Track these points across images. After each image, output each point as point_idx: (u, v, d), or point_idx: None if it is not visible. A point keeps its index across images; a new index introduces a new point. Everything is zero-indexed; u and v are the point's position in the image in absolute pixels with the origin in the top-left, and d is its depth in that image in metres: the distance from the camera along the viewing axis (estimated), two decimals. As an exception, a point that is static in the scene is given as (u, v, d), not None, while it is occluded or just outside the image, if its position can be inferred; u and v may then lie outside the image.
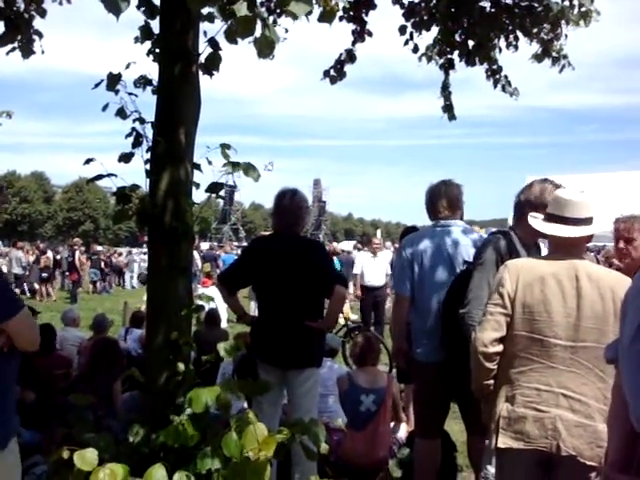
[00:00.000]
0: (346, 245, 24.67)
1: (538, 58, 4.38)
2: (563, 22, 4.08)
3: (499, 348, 2.38)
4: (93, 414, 3.38)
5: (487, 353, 2.37)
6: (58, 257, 19.20)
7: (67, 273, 17.81)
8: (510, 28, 4.24)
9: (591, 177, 9.14)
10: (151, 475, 2.20)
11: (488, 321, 2.39)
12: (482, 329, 2.40)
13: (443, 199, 3.58)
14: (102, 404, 4.04)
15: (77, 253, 17.62)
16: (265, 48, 2.09)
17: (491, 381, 2.46)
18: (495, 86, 4.59)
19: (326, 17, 2.24)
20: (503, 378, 2.41)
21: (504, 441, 2.34)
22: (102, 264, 20.38)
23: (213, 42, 2.90)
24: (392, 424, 4.38)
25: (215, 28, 2.90)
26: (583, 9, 4.05)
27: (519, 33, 4.28)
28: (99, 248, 23.46)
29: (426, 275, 3.43)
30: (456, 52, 4.44)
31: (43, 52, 4.12)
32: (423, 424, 3.57)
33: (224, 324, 8.10)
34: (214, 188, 2.79)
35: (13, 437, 2.18)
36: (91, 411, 3.30)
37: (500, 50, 4.40)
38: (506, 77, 4.55)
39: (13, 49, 3.92)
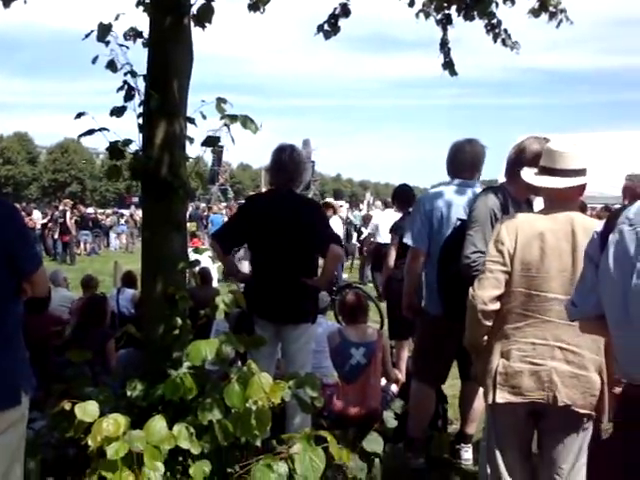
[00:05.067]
0: (336, 205, 24.69)
1: (535, 13, 4.30)
2: (561, -27, 4.01)
3: (497, 305, 2.39)
4: (90, 371, 3.40)
5: (486, 311, 2.39)
6: (46, 220, 18.97)
7: (56, 235, 17.66)
8: (507, -19, 4.16)
9: (588, 136, 9.09)
10: (151, 427, 2.25)
11: (487, 278, 2.39)
12: (481, 286, 2.39)
13: (466, 158, 3.58)
14: (97, 361, 4.06)
15: (68, 214, 17.48)
16: (262, -4, 2.03)
17: (485, 337, 2.49)
18: (495, 40, 4.52)
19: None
20: (497, 334, 2.43)
21: (502, 396, 2.38)
22: (91, 225, 20.32)
23: (205, -8, 2.83)
24: (383, 381, 4.46)
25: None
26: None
27: (515, -15, 4.20)
28: (88, 210, 23.30)
29: (442, 232, 3.46)
30: (454, 7, 4.36)
31: (25, 1, 3.97)
32: (423, 371, 3.65)
33: (215, 284, 8.14)
34: (210, 141, 2.76)
35: (27, 393, 2.18)
36: (87, 367, 3.32)
37: (497, 5, 4.32)
38: (506, 31, 4.48)
39: (-6, -3, 3.78)
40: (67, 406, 2.26)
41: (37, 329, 4.37)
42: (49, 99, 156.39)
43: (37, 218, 18.47)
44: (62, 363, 3.64)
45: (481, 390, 2.71)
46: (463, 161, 3.60)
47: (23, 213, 18.35)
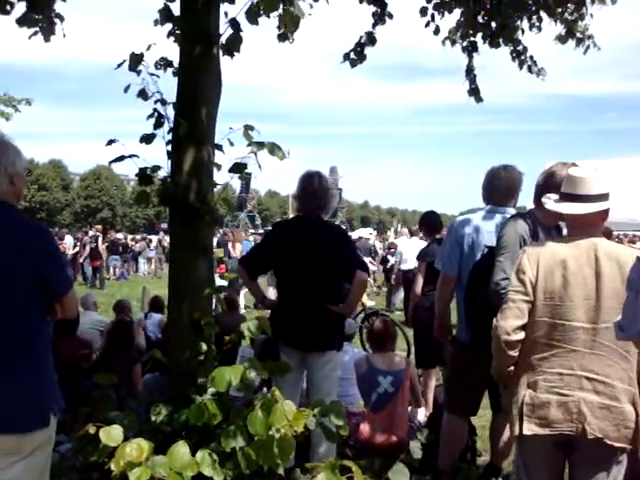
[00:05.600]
0: (363, 232, 24.73)
1: (562, 39, 4.30)
2: (588, 1, 3.99)
3: (521, 335, 2.35)
4: (115, 394, 3.42)
5: (510, 341, 2.35)
6: (77, 248, 19.27)
7: (88, 260, 17.95)
8: (534, 8, 4.16)
9: (617, 162, 8.94)
10: (174, 452, 2.24)
11: (510, 308, 2.36)
12: (504, 317, 2.36)
13: (501, 184, 3.56)
14: (123, 385, 4.08)
15: (100, 239, 17.82)
16: (290, 24, 2.08)
17: (512, 368, 2.44)
18: (521, 67, 4.52)
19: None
20: (524, 364, 2.39)
21: (529, 427, 2.32)
22: (121, 250, 20.63)
23: (234, 23, 2.89)
24: (410, 408, 4.38)
25: (236, 9, 2.89)
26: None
27: (543, 13, 4.20)
28: (118, 235, 23.71)
29: (472, 258, 3.44)
30: (479, 34, 4.38)
31: (64, 35, 4.13)
32: (455, 401, 3.58)
33: (241, 310, 8.16)
34: (237, 168, 2.79)
35: (55, 415, 2.19)
36: (113, 391, 3.34)
37: (523, 32, 4.33)
38: (532, 57, 4.48)
39: (35, 33, 3.95)
40: (92, 430, 2.27)
41: (66, 352, 4.43)
42: (83, 127, 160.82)
43: (69, 243, 18.81)
44: (89, 386, 3.66)
45: (511, 421, 2.63)
46: (498, 187, 3.57)
47: (55, 238, 18.74)
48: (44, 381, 2.18)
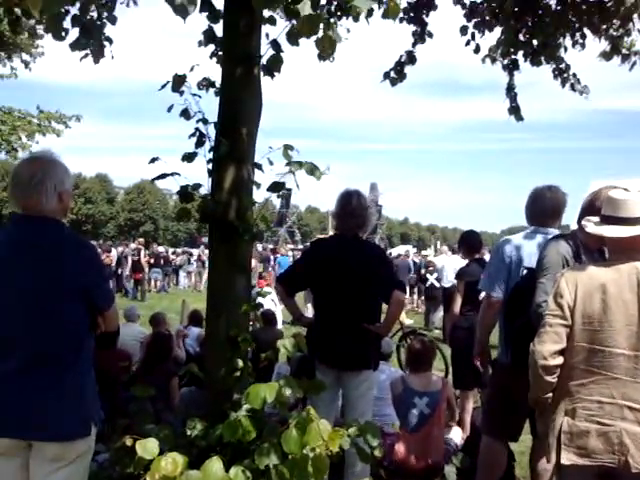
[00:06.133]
0: (402, 249, 24.55)
1: (606, 56, 4.22)
2: (635, 16, 3.90)
3: (559, 360, 2.30)
4: (152, 407, 3.47)
5: (547, 366, 2.30)
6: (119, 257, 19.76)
7: (129, 273, 18.35)
8: (577, 26, 4.10)
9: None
10: (208, 468, 2.24)
11: (547, 333, 2.31)
12: (541, 341, 2.32)
13: (546, 205, 3.51)
14: (160, 398, 4.14)
15: (142, 252, 18.21)
16: (328, 48, 2.11)
17: (550, 394, 2.38)
18: (563, 85, 4.45)
19: (390, 13, 2.23)
20: (562, 390, 2.33)
21: (568, 457, 2.26)
22: (162, 263, 20.99)
23: (275, 44, 2.95)
24: (447, 430, 4.31)
25: (277, 31, 2.95)
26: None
27: (586, 30, 4.14)
28: (160, 248, 24.16)
29: (516, 279, 3.36)
30: (520, 52, 4.34)
31: (113, 57, 4.29)
32: (495, 424, 3.49)
33: (279, 326, 8.18)
34: (275, 187, 2.83)
35: (96, 425, 2.26)
36: (150, 404, 3.39)
37: (566, 49, 4.27)
38: (575, 75, 4.41)
39: (86, 55, 4.11)
40: (128, 442, 2.31)
41: (106, 363, 4.52)
42: (128, 143, 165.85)
43: (115, 255, 19.28)
44: (128, 398, 3.73)
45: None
46: (543, 208, 3.51)
47: (100, 250, 19.26)
48: (88, 391, 2.25)
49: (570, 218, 5.02)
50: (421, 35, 4.67)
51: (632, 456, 2.16)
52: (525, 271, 3.25)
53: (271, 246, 28.04)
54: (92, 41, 3.86)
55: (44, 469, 2.13)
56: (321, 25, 2.21)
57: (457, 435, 4.46)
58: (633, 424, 2.19)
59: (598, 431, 2.21)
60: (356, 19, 2.68)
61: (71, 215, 52.14)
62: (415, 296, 17.32)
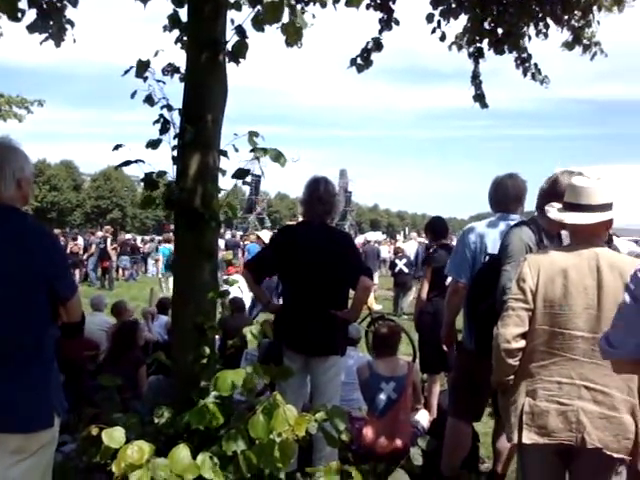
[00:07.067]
0: (372, 236, 24.65)
1: (569, 46, 4.30)
2: (595, 8, 3.99)
3: (522, 344, 2.36)
4: (119, 396, 3.45)
5: (510, 349, 2.35)
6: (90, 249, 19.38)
7: (94, 260, 18.06)
8: (540, 15, 4.17)
9: (619, 168, 8.90)
10: (175, 455, 2.25)
11: (510, 316, 2.36)
12: (504, 325, 2.37)
13: (508, 192, 3.58)
14: (128, 387, 4.12)
15: (109, 240, 17.94)
16: (293, 34, 2.10)
17: (512, 376, 2.44)
18: (525, 74, 4.53)
19: (354, 2, 2.23)
20: (523, 372, 2.39)
21: (529, 436, 2.32)
22: (131, 251, 20.72)
23: (240, 30, 2.93)
24: (414, 414, 4.38)
25: (242, 16, 2.92)
26: (617, -5, 3.94)
27: (549, 20, 4.21)
28: (128, 236, 23.80)
29: (479, 265, 3.43)
30: (485, 40, 4.39)
31: (75, 41, 4.19)
32: (459, 406, 3.57)
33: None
34: (240, 174, 2.82)
35: (59, 416, 2.24)
36: (118, 393, 3.37)
37: (530, 38, 4.33)
38: (536, 65, 4.49)
39: (46, 38, 4.00)
40: (94, 431, 2.30)
41: (72, 352, 4.47)
42: (94, 128, 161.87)
43: (81, 243, 18.94)
44: (95, 387, 3.70)
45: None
46: (505, 195, 3.59)
47: (62, 239, 18.88)
48: (50, 382, 2.22)
49: (533, 204, 5.14)
50: (387, 22, 4.68)
51: (588, 434, 2.23)
52: (487, 257, 3.31)
53: (240, 233, 27.86)
54: (52, 23, 3.76)
55: (4, 461, 2.09)
56: (286, 11, 2.21)
57: (424, 418, 4.54)
58: (589, 403, 2.26)
59: (557, 410, 2.28)
60: (323, 5, 2.68)
61: (36, 203, 50.94)
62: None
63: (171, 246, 13.88)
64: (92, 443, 2.40)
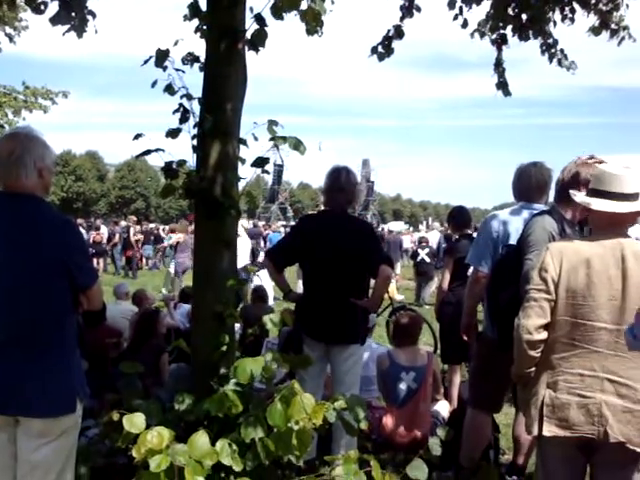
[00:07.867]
0: (394, 226, 24.54)
1: (595, 31, 4.19)
2: (624, -10, 3.88)
3: (544, 335, 2.31)
4: (141, 383, 3.50)
5: (532, 341, 2.30)
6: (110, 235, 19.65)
7: (119, 250, 18.30)
8: (566, 0, 4.07)
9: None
10: (194, 441, 2.28)
11: (532, 307, 2.31)
12: (526, 316, 2.32)
13: (531, 181, 3.52)
14: (150, 374, 4.17)
15: (132, 230, 18.14)
16: (312, 20, 2.08)
17: (533, 368, 2.39)
18: (551, 61, 4.43)
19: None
20: (544, 364, 2.35)
21: (549, 429, 2.28)
22: (154, 240, 20.94)
23: (259, 18, 2.91)
24: (434, 404, 4.37)
25: (261, 4, 2.91)
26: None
27: (575, 4, 4.10)
28: (151, 225, 24.05)
29: None
30: (509, 27, 4.30)
31: (96, 32, 4.22)
32: (479, 397, 3.54)
33: (270, 302, 8.22)
34: (260, 162, 2.82)
35: (82, 402, 2.28)
36: (140, 380, 3.42)
37: (555, 24, 4.23)
38: (562, 51, 4.38)
39: (69, 30, 4.04)
40: (116, 417, 2.34)
41: (96, 340, 4.55)
42: (118, 119, 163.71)
43: (105, 233, 19.19)
44: (117, 374, 3.76)
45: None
46: (528, 184, 3.53)
47: (82, 229, 19.06)
48: (72, 368, 2.26)
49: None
50: (409, 9, 4.61)
51: (611, 427, 2.19)
52: (504, 249, 3.27)
53: (262, 223, 27.98)
54: (74, 14, 3.78)
55: (30, 444, 2.15)
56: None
57: (444, 408, 4.52)
58: (612, 396, 2.22)
59: (579, 403, 2.24)
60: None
61: (61, 193, 51.77)
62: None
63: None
64: (114, 428, 2.45)
